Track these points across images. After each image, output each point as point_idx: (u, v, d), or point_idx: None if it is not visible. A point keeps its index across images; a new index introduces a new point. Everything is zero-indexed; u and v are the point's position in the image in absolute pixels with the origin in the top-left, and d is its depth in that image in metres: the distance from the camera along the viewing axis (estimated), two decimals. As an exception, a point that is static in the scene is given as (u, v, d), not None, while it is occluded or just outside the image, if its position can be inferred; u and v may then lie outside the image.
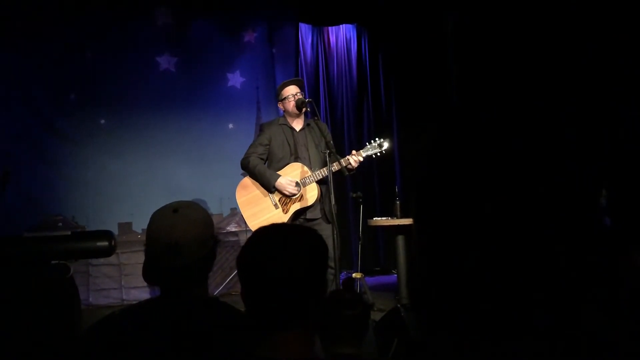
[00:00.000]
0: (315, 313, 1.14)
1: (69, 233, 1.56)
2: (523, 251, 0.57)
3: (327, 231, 3.75)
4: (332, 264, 3.55)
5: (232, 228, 5.86)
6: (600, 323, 0.66)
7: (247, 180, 4.07)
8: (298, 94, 4.05)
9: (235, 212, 5.77)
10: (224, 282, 5.64)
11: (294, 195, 3.91)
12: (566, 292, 0.58)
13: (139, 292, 5.26)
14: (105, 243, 1.55)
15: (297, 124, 4.10)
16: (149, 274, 1.47)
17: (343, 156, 3.97)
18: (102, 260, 5.16)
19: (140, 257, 1.49)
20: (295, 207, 3.94)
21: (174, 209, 1.48)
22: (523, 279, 0.57)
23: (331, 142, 3.92)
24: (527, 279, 0.56)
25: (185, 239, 1.43)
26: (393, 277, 6.11)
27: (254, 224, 3.96)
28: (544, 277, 0.56)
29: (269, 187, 3.93)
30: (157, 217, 1.48)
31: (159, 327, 1.38)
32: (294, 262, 1.11)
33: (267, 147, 4.04)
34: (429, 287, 0.63)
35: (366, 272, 5.45)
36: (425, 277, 0.64)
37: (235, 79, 6.00)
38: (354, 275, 4.69)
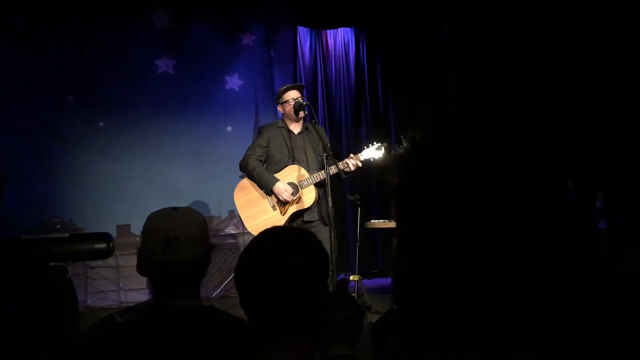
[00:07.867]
0: (318, 320, 1.13)
1: (67, 235, 1.56)
2: (515, 253, 0.58)
3: (324, 233, 3.76)
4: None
5: (230, 230, 5.86)
6: (596, 326, 0.67)
7: (246, 181, 4.08)
8: (299, 99, 4.07)
9: (233, 215, 5.78)
10: (222, 284, 5.64)
11: (288, 202, 3.93)
12: (559, 295, 0.59)
13: (137, 294, 5.26)
14: (103, 245, 1.55)
15: (296, 127, 4.12)
16: (144, 269, 1.49)
17: (340, 159, 3.98)
18: (100, 262, 5.16)
19: (139, 260, 1.51)
20: (292, 209, 3.95)
21: (172, 208, 1.52)
22: (515, 281, 0.58)
23: (328, 145, 3.94)
24: (518, 282, 0.57)
25: (184, 234, 1.44)
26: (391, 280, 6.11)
27: (251, 226, 3.97)
28: (535, 279, 0.57)
29: (267, 189, 3.95)
30: (154, 216, 1.51)
31: (156, 336, 1.38)
32: (296, 273, 1.09)
33: (266, 149, 4.06)
34: (412, 290, 0.63)
35: (364, 274, 5.45)
36: (407, 280, 0.65)
37: (234, 82, 6.01)
38: (351, 277, 4.70)
